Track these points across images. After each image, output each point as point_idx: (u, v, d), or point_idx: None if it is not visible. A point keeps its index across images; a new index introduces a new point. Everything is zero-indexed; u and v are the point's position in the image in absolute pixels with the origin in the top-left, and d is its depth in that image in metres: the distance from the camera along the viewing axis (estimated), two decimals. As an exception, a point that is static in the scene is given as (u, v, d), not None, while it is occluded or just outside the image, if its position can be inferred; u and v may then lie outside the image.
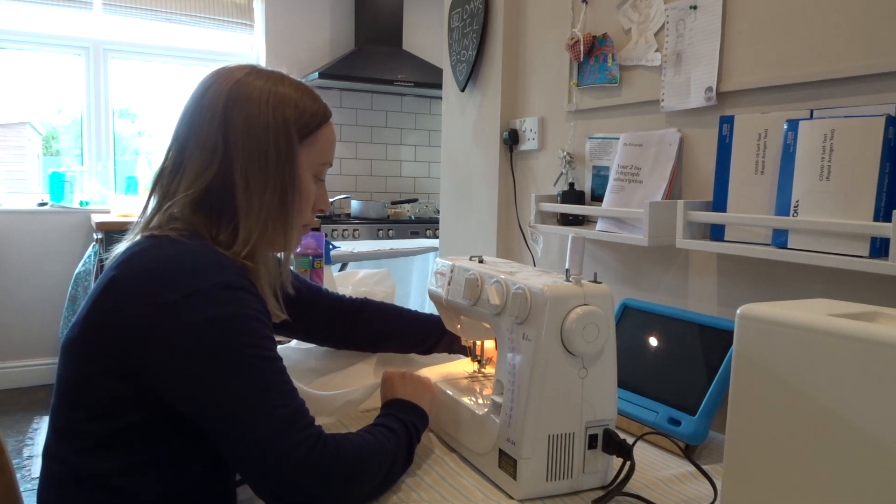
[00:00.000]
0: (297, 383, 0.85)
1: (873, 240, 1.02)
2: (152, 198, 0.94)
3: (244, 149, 0.89)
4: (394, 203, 4.10)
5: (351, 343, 1.28)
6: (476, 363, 1.17)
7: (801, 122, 1.12)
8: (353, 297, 1.30)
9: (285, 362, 0.86)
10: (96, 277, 3.19)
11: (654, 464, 1.01)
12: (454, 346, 1.29)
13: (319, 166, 0.98)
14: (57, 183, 3.61)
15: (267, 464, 0.78)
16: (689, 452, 1.01)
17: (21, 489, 1.02)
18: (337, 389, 1.17)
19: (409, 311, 1.32)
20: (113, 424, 0.84)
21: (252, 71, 0.94)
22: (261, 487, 0.81)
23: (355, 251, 3.28)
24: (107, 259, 0.91)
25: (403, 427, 0.93)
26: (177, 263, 0.83)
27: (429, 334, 1.29)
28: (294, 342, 1.33)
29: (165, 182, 0.93)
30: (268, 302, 0.90)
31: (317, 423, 0.83)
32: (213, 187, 0.90)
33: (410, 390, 1.02)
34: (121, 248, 0.91)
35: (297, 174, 0.93)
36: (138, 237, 0.90)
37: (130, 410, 0.84)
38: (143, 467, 0.85)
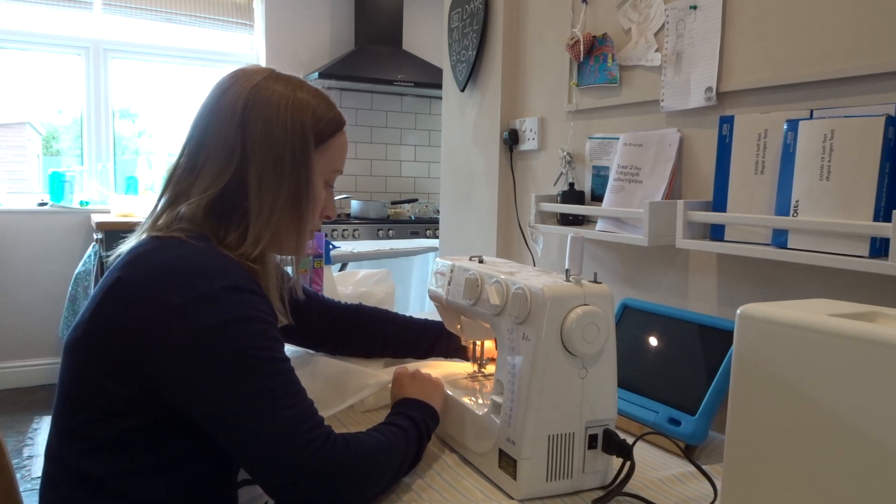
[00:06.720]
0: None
1: (873, 240, 1.02)
2: (163, 197, 0.94)
3: (261, 152, 0.89)
4: (394, 203, 4.10)
5: (345, 348, 1.27)
6: (476, 363, 1.17)
7: (801, 122, 1.12)
8: (348, 302, 1.29)
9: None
10: (96, 277, 3.20)
11: (654, 464, 1.01)
12: (450, 350, 1.29)
13: (331, 173, 0.98)
14: (57, 183, 3.61)
15: (276, 465, 0.78)
16: (689, 452, 1.01)
17: (21, 489, 1.02)
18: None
19: (403, 316, 1.32)
20: (117, 426, 0.84)
21: (271, 75, 0.94)
22: (271, 488, 0.81)
23: (355, 251, 3.27)
24: (107, 258, 0.90)
25: (414, 425, 0.93)
26: (182, 266, 0.83)
27: (423, 339, 1.29)
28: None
29: (179, 181, 0.93)
30: (274, 305, 0.90)
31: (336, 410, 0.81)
32: (228, 188, 0.90)
33: (420, 389, 1.02)
34: (125, 247, 0.90)
35: (311, 179, 0.93)
36: (144, 236, 0.90)
37: (135, 413, 0.83)
38: (147, 469, 0.85)
